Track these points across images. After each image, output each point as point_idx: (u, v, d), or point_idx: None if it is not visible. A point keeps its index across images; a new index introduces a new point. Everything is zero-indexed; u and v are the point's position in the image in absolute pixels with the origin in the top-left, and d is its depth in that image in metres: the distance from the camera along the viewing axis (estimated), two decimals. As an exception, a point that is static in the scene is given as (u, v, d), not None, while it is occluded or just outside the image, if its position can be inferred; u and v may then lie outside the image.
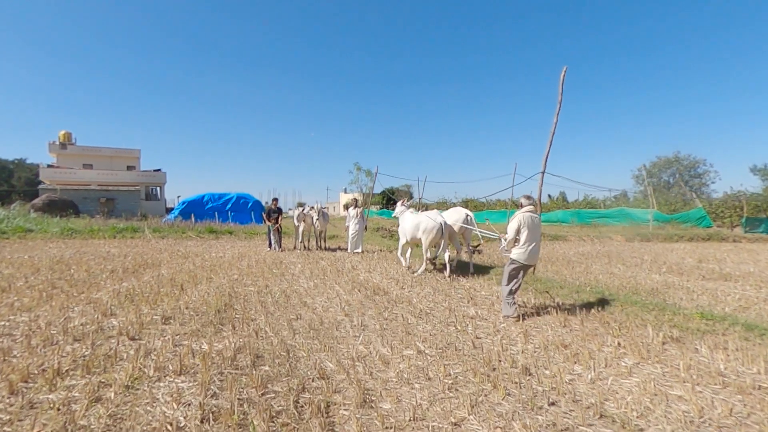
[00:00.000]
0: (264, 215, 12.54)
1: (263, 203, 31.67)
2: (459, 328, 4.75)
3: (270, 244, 12.55)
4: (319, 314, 5.32)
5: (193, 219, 22.46)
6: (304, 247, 12.91)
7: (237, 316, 5.18)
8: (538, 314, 5.35)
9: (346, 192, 67.94)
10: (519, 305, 5.51)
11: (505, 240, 5.37)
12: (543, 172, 6.99)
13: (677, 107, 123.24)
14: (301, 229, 12.51)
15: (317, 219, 12.08)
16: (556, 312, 5.33)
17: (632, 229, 19.77)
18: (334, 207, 67.35)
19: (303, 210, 12.29)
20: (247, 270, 8.72)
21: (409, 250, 9.50)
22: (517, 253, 5.19)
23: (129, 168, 39.68)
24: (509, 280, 5.25)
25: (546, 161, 6.93)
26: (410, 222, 8.42)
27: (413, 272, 8.47)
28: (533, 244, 5.18)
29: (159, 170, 39.75)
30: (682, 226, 22.17)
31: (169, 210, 31.99)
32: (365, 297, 6.31)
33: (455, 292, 6.73)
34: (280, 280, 7.63)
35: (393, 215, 10.27)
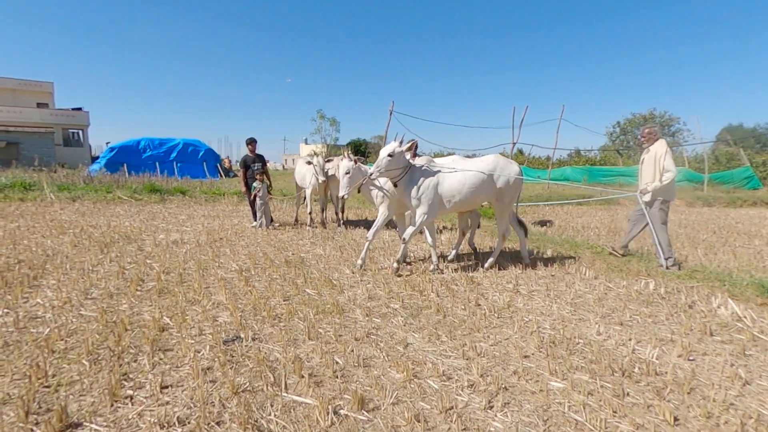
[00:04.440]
0: (240, 170, 7.57)
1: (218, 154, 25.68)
2: None
3: (255, 217, 7.61)
4: None
5: (125, 171, 16.50)
6: (319, 222, 8.01)
7: None
8: None
9: (307, 143, 60.95)
10: None
11: (662, 182, 4.75)
12: None
13: (649, 67, 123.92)
14: (309, 191, 7.63)
15: (322, 177, 7.13)
16: None
17: (689, 192, 16.53)
18: (293, 160, 60.71)
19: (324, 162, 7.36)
20: (245, 289, 3.93)
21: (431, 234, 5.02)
22: (670, 189, 4.85)
23: (40, 105, 31.29)
24: (665, 222, 4.87)
25: None
26: (453, 177, 4.61)
27: (437, 269, 4.85)
28: None
29: (80, 109, 31.74)
30: (723, 187, 19.34)
31: (95, 159, 25.04)
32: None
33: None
34: (367, 346, 2.95)
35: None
